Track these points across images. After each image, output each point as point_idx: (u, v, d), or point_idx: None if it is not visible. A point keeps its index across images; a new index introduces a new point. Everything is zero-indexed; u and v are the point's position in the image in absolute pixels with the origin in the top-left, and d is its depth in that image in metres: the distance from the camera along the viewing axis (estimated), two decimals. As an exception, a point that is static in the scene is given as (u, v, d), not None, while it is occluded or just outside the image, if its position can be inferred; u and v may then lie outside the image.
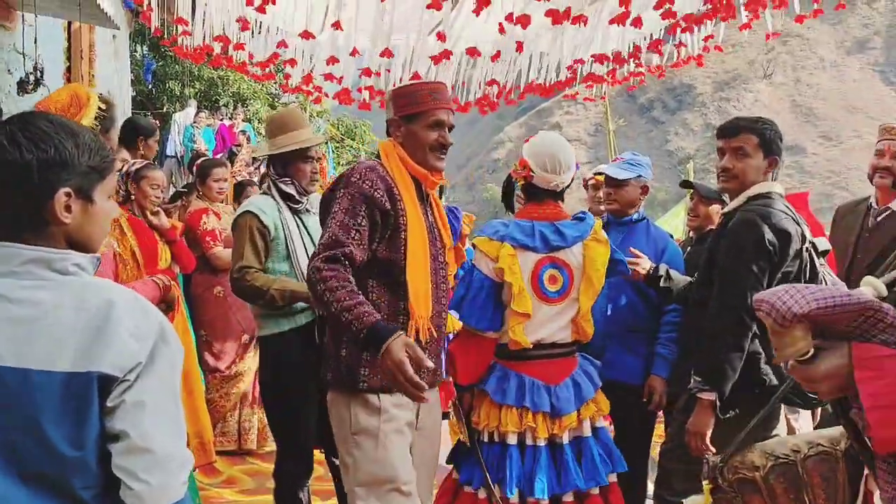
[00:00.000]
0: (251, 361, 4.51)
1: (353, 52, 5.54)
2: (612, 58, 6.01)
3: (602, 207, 3.63)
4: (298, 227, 2.95)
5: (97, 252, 1.32)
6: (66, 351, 1.18)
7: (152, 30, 5.59)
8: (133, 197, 3.41)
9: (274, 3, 4.66)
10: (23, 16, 4.81)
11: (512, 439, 2.58)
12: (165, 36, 5.74)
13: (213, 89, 15.15)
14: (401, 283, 2.20)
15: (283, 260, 2.90)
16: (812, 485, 1.82)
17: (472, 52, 5.27)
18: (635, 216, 3.22)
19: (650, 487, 3.16)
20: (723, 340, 2.39)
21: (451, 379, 2.75)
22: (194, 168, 5.31)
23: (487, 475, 2.57)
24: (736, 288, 2.39)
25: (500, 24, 4.59)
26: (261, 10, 4.81)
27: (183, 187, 5.44)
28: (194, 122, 11.66)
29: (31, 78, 4.47)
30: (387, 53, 5.37)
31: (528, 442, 2.59)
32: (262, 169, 9.47)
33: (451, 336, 2.91)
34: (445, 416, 3.02)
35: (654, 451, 3.24)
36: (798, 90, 63.68)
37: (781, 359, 1.29)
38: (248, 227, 2.85)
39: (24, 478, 1.18)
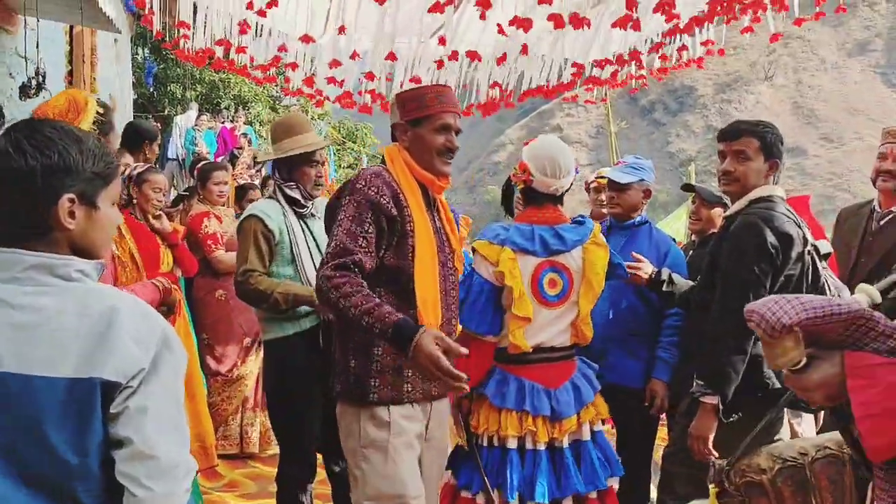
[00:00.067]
0: (253, 365, 4.51)
1: (354, 56, 5.54)
2: (613, 60, 6.01)
3: (604, 211, 3.64)
4: (303, 231, 2.95)
5: (101, 258, 1.32)
6: (69, 357, 1.18)
7: (154, 33, 5.59)
8: (135, 200, 3.41)
9: (276, 5, 4.67)
10: (25, 19, 4.82)
11: (512, 443, 2.57)
12: (167, 39, 5.75)
13: (214, 92, 15.18)
14: (409, 290, 2.16)
15: (288, 264, 2.90)
16: (820, 488, 1.81)
17: (473, 55, 5.27)
18: (638, 220, 3.22)
19: (653, 491, 3.16)
20: (725, 344, 2.38)
21: None
22: (195, 171, 5.32)
23: (486, 480, 2.56)
24: (738, 291, 2.39)
25: (499, 25, 4.58)
26: (261, 13, 4.82)
27: (184, 191, 5.45)
28: (196, 125, 11.69)
29: (34, 82, 4.48)
30: (391, 57, 5.37)
31: (528, 446, 2.59)
32: (264, 172, 9.49)
33: None
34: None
35: (657, 455, 3.24)
36: (799, 92, 63.68)
37: (774, 368, 1.30)
38: (253, 231, 2.86)
39: (26, 483, 1.19)
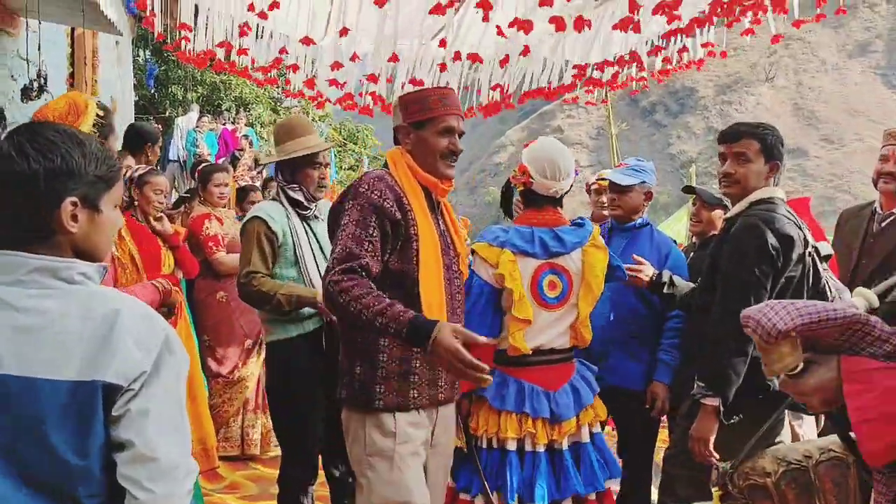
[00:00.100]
0: (254, 366, 4.51)
1: (354, 58, 5.55)
2: (614, 62, 6.01)
3: (605, 212, 3.64)
4: (307, 233, 2.96)
5: (104, 261, 1.32)
6: (72, 360, 1.19)
7: (155, 35, 5.60)
8: (136, 202, 3.41)
9: (277, 7, 4.68)
10: (27, 22, 4.83)
11: (511, 445, 2.58)
12: (169, 41, 5.76)
13: (215, 94, 15.20)
14: (414, 295, 2.13)
15: (291, 266, 2.90)
16: (824, 490, 1.81)
17: (475, 57, 5.27)
18: (639, 222, 3.22)
19: (654, 493, 3.16)
20: (726, 346, 2.38)
21: None
22: (196, 174, 5.33)
23: (486, 483, 2.56)
24: (739, 293, 2.39)
25: (498, 27, 4.58)
26: (262, 16, 4.83)
27: (186, 192, 5.46)
28: (197, 127, 11.71)
29: (35, 84, 4.49)
30: (394, 58, 5.38)
31: (528, 448, 2.59)
32: (265, 174, 9.50)
33: None
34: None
35: (658, 457, 3.24)
36: (800, 93, 63.67)
37: (771, 374, 1.30)
38: (256, 233, 2.86)
39: (28, 485, 1.19)
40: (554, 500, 2.56)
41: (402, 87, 6.04)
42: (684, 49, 5.84)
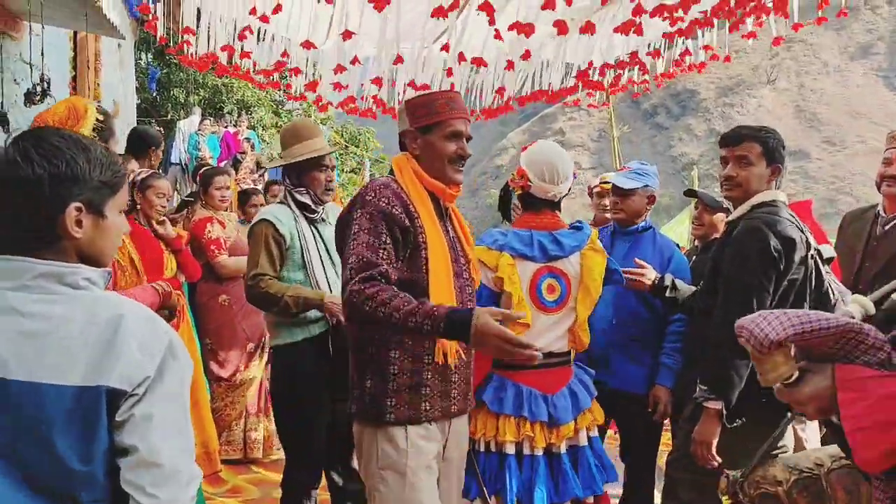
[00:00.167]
0: (256, 370, 4.52)
1: (354, 61, 5.56)
2: (614, 65, 6.02)
3: (608, 216, 3.64)
4: (314, 236, 2.96)
5: (108, 266, 1.33)
6: (77, 365, 1.19)
7: (158, 38, 5.62)
8: (139, 206, 3.42)
9: (279, 10, 4.69)
10: (30, 26, 4.84)
11: (510, 449, 2.57)
12: (171, 44, 5.77)
13: (217, 97, 15.22)
14: None
15: (299, 269, 2.90)
16: (836, 498, 1.79)
17: (479, 61, 5.27)
18: (641, 226, 3.22)
19: (657, 497, 3.15)
20: (728, 349, 2.38)
21: None
22: (198, 177, 5.33)
23: (484, 487, 2.56)
24: (741, 296, 2.39)
25: (497, 31, 4.58)
26: (264, 19, 4.84)
27: (188, 196, 5.46)
28: (199, 130, 11.72)
29: (39, 89, 4.50)
30: (399, 61, 5.39)
31: (526, 451, 2.59)
32: (267, 177, 9.50)
33: None
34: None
35: (661, 461, 3.23)
36: (802, 95, 63.64)
37: (766, 383, 1.31)
38: (264, 235, 2.86)
39: (33, 491, 1.19)
40: (552, 503, 2.56)
41: (404, 91, 6.06)
42: (686, 52, 5.85)
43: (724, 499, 1.96)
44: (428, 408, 2.11)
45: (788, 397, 1.29)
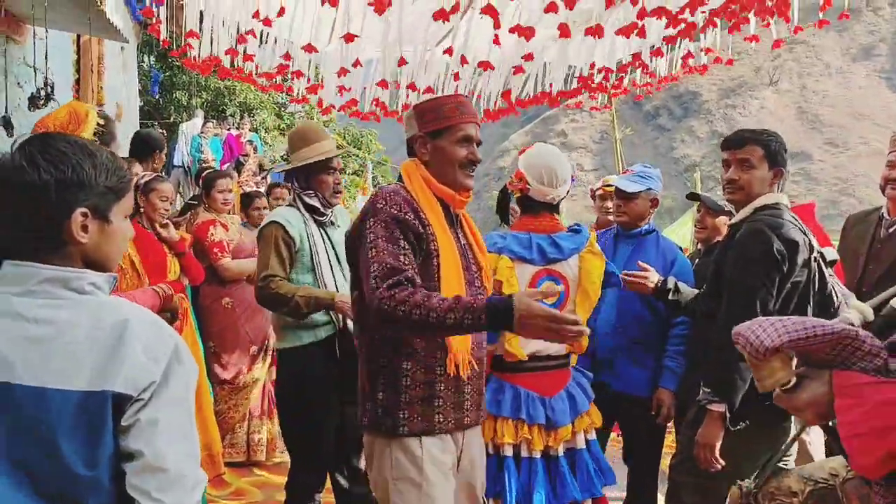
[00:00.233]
0: (259, 372, 4.52)
1: (356, 64, 5.57)
2: (615, 69, 6.03)
3: (610, 218, 3.64)
4: (323, 239, 2.97)
5: (114, 271, 1.33)
6: (83, 370, 1.19)
7: (161, 42, 5.64)
8: (142, 209, 3.43)
9: (283, 13, 4.70)
10: (34, 30, 4.86)
11: (508, 451, 2.58)
12: (174, 47, 5.79)
13: (219, 99, 15.25)
14: None
15: (308, 272, 2.91)
16: None
17: (486, 65, 5.27)
18: (645, 229, 3.22)
19: (660, 500, 3.15)
20: (732, 351, 2.35)
21: None
22: (200, 180, 5.34)
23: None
24: (745, 299, 2.39)
25: (496, 35, 4.58)
26: (267, 22, 4.85)
27: (192, 199, 5.47)
28: (201, 133, 11.73)
29: (42, 92, 4.51)
30: (402, 62, 5.39)
31: (524, 454, 2.59)
32: (269, 179, 9.51)
33: None
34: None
35: (664, 464, 3.23)
36: (804, 97, 63.56)
37: (763, 389, 1.32)
38: (274, 237, 2.87)
39: (38, 496, 1.19)
40: (550, 506, 2.56)
41: (407, 95, 6.06)
42: (689, 55, 5.85)
43: None
44: (441, 420, 2.07)
45: (787, 403, 1.30)
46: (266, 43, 5.81)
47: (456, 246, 2.13)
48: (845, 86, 63.84)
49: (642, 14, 4.08)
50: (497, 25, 4.18)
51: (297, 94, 6.71)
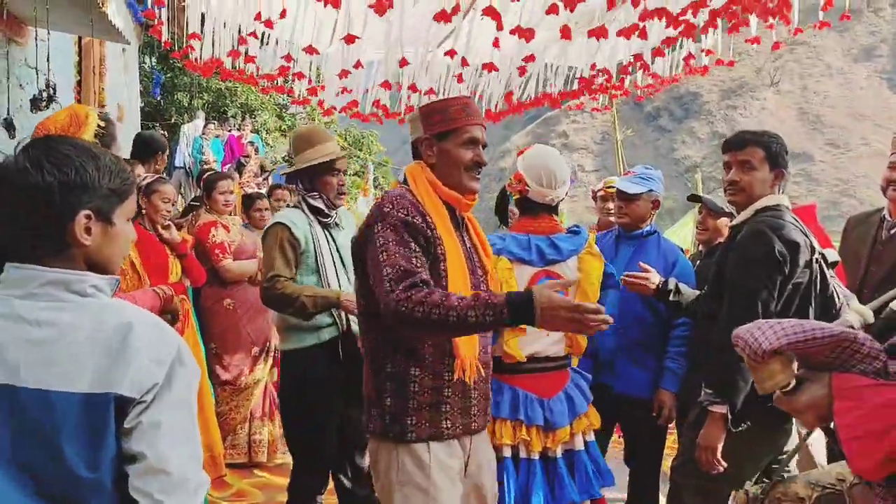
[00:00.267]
0: (261, 373, 4.52)
1: (357, 65, 5.58)
2: (615, 71, 6.03)
3: (612, 219, 3.64)
4: (328, 241, 2.98)
5: (116, 274, 1.33)
6: (85, 372, 1.19)
7: (162, 43, 5.64)
8: (144, 211, 3.43)
9: (285, 15, 4.71)
10: (35, 31, 4.86)
11: (506, 452, 2.58)
12: (176, 49, 5.80)
13: (220, 100, 15.27)
14: None
15: (312, 273, 2.92)
16: None
17: (490, 67, 5.27)
18: (646, 230, 3.22)
19: (662, 502, 3.15)
20: (733, 353, 2.36)
21: None
22: (201, 182, 5.35)
23: None
24: (746, 300, 2.39)
25: (496, 38, 4.57)
26: (268, 24, 4.86)
27: (193, 200, 5.48)
28: (203, 134, 11.73)
29: (44, 94, 4.51)
30: (403, 63, 5.40)
31: (522, 455, 2.59)
32: (270, 180, 9.52)
33: None
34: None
35: (666, 465, 3.23)
36: (805, 98, 63.52)
37: (763, 391, 1.32)
38: (279, 238, 2.88)
39: (41, 498, 1.19)
40: (549, 507, 2.55)
41: (408, 97, 6.07)
42: (690, 56, 5.85)
43: None
44: (448, 425, 2.05)
45: (786, 405, 1.31)
46: (267, 44, 5.82)
47: (462, 249, 2.11)
48: (846, 87, 63.81)
49: (644, 16, 4.08)
50: (500, 27, 4.18)
51: (299, 95, 6.72)
